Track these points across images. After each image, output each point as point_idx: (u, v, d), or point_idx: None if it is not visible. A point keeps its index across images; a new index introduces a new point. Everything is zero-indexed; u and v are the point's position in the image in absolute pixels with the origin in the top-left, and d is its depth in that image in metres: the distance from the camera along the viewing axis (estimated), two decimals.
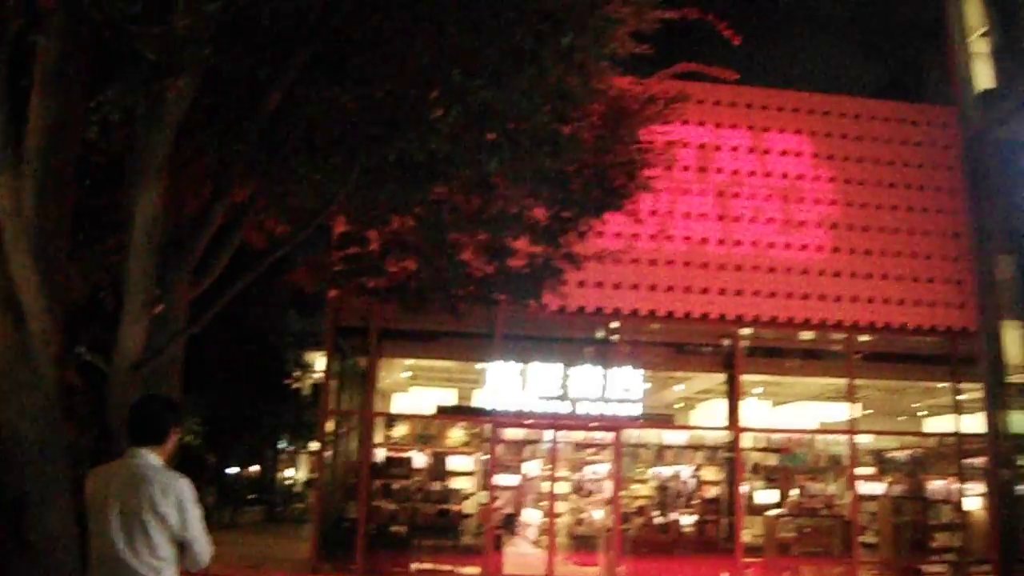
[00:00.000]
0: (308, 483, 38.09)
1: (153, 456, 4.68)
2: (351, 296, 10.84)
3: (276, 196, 8.10)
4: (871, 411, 20.85)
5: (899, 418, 22.90)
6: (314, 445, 21.76)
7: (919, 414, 22.78)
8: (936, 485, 18.91)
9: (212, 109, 7.17)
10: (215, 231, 7.57)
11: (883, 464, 20.08)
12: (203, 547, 4.68)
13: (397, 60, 6.81)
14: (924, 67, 22.77)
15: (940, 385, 19.14)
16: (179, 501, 4.55)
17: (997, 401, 7.37)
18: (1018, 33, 8.44)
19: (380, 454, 18.00)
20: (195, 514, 4.63)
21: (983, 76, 9.98)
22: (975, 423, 18.63)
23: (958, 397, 18.03)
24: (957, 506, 18.18)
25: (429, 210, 8.89)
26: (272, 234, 9.68)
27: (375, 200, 8.45)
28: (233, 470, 40.60)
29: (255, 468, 44.05)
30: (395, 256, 9.59)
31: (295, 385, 40.41)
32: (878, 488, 19.08)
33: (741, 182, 17.77)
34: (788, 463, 19.20)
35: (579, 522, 19.34)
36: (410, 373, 20.44)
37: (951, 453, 18.71)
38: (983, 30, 9.76)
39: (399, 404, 20.62)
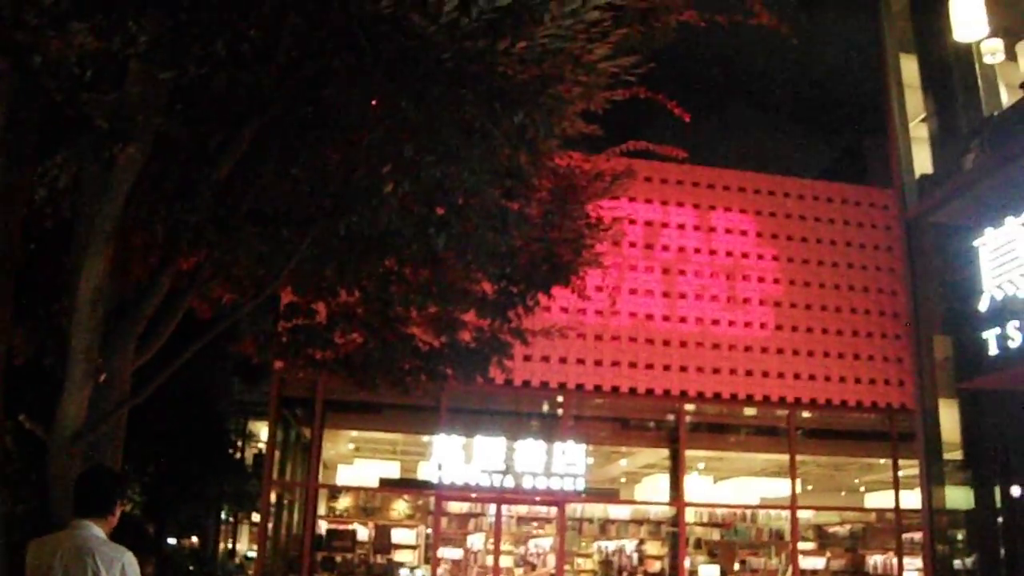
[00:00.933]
0: (248, 556, 37.40)
1: (97, 528, 4.66)
2: (297, 367, 10.78)
3: (224, 266, 8.09)
4: (812, 487, 21.05)
5: (840, 493, 23.13)
6: (256, 516, 21.38)
7: (860, 489, 23.03)
8: (876, 560, 19.06)
9: (161, 177, 7.19)
10: (161, 300, 7.54)
11: (824, 539, 20.23)
12: None
13: (349, 133, 6.90)
14: (866, 150, 23.43)
15: (880, 461, 19.40)
16: (123, 575, 4.52)
17: (933, 478, 7.54)
18: (955, 121, 8.78)
19: (323, 526, 17.77)
20: None
21: (922, 161, 10.34)
22: (913, 498, 18.88)
23: (898, 473, 18.28)
24: None
25: (377, 283, 8.93)
26: (219, 303, 9.63)
27: (323, 272, 8.48)
28: (173, 541, 39.65)
29: (195, 539, 43.10)
30: (342, 328, 9.56)
31: (238, 455, 39.84)
32: (819, 563, 19.19)
33: (687, 259, 18.01)
34: (730, 538, 19.26)
35: None
36: (354, 445, 20.29)
37: (890, 528, 18.90)
38: (922, 116, 10.13)
39: (343, 476, 20.43)
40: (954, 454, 7.93)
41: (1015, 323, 6.10)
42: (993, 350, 6.24)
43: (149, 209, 7.38)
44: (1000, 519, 7.82)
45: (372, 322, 9.36)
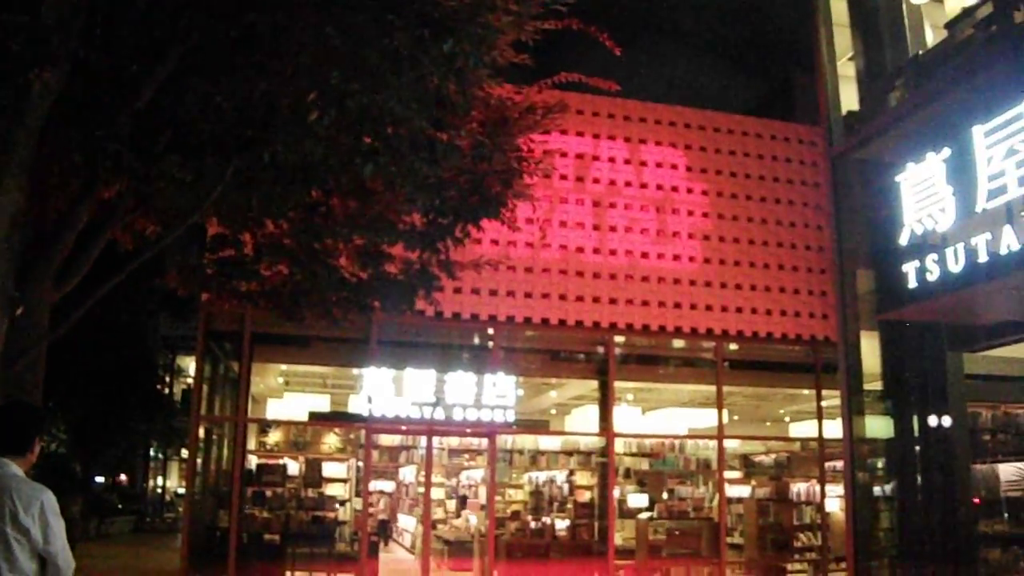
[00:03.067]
0: (179, 492, 37.21)
1: (15, 466, 4.54)
2: (224, 300, 10.64)
3: (146, 196, 7.93)
4: (738, 417, 21.48)
5: (765, 423, 23.67)
6: (185, 453, 21.23)
7: (784, 420, 23.57)
8: (799, 487, 19.56)
9: (80, 105, 6.99)
10: (81, 231, 7.38)
11: (749, 468, 20.72)
12: (65, 561, 4.54)
13: (274, 60, 6.75)
14: (795, 87, 23.59)
15: (804, 392, 19.83)
16: (42, 514, 4.41)
17: (854, 408, 7.74)
18: (881, 60, 8.85)
19: (253, 461, 17.71)
20: (58, 527, 4.50)
21: (849, 99, 10.43)
22: (836, 428, 19.37)
23: (821, 403, 18.73)
24: (819, 507, 18.86)
25: (303, 214, 8.82)
26: (142, 235, 9.43)
27: (248, 203, 8.35)
28: (101, 479, 39.31)
29: (124, 477, 42.76)
30: (268, 260, 9.45)
31: (166, 391, 39.46)
32: (744, 491, 19.66)
33: (617, 192, 18.05)
34: (659, 467, 19.62)
35: (454, 528, 19.41)
36: (283, 379, 20.19)
37: (813, 457, 19.40)
38: (850, 55, 10.21)
39: (273, 410, 20.35)
40: (874, 385, 8.14)
41: (933, 256, 6.23)
42: (912, 283, 6.37)
43: (67, 137, 7.19)
44: (917, 447, 8.06)
45: (299, 254, 9.25)
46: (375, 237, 9.06)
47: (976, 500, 7.75)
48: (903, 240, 6.73)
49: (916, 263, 6.35)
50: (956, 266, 6.15)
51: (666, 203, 18.27)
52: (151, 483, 45.39)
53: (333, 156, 6.88)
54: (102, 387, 29.52)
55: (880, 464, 8.46)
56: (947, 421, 7.59)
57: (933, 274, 6.33)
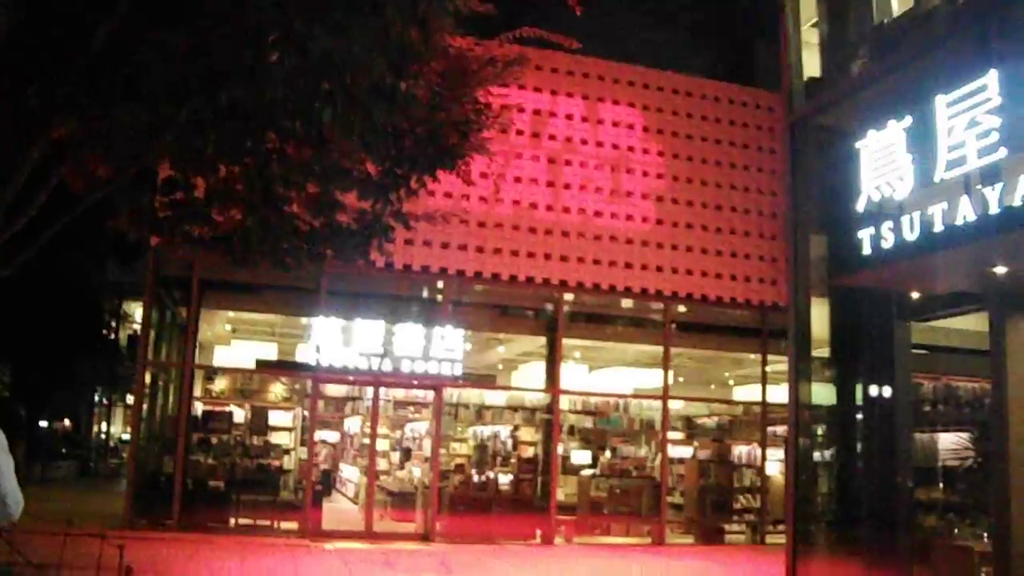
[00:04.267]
0: (124, 438, 36.89)
1: None
2: (174, 244, 10.46)
3: (98, 137, 7.74)
4: (683, 379, 21.64)
5: (710, 386, 23.90)
6: (131, 399, 20.96)
7: (728, 383, 23.83)
8: (741, 450, 19.85)
9: (34, 47, 6.79)
10: (30, 171, 7.21)
11: (692, 429, 20.96)
12: (14, 499, 4.51)
13: (235, 6, 6.59)
14: (757, 52, 23.60)
15: (750, 356, 20.05)
16: None
17: (801, 373, 7.83)
18: (845, 27, 8.86)
19: (199, 408, 17.59)
20: (7, 466, 4.46)
21: (811, 65, 10.42)
22: (779, 393, 19.63)
23: (766, 368, 18.96)
24: (759, 470, 19.16)
25: (258, 160, 8.68)
26: (92, 177, 9.23)
27: (202, 147, 8.20)
28: (45, 424, 38.87)
29: (68, 423, 42.27)
30: (221, 205, 9.29)
31: (112, 336, 38.99)
32: (687, 452, 19.91)
33: (573, 150, 18.01)
34: (603, 426, 19.77)
35: (397, 479, 19.45)
36: (231, 326, 20.00)
37: (755, 421, 19.67)
38: (814, 21, 10.20)
39: (220, 357, 20.18)
40: (821, 351, 8.24)
41: (889, 224, 6.28)
42: (867, 249, 6.42)
43: (20, 78, 7.00)
44: (860, 414, 8.19)
45: (252, 199, 9.11)
46: (329, 185, 8.94)
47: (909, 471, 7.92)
48: (859, 207, 6.77)
49: (871, 230, 6.39)
50: (911, 234, 6.20)
51: (621, 163, 18.27)
52: (96, 429, 44.86)
53: (291, 100, 6.75)
54: (47, 331, 29.11)
55: (822, 430, 8.57)
56: (891, 390, 7.70)
57: (888, 242, 6.38)
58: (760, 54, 23.24)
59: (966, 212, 5.72)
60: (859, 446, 8.52)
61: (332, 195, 9.31)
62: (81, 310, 32.32)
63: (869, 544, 7.75)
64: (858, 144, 6.72)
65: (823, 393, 8.54)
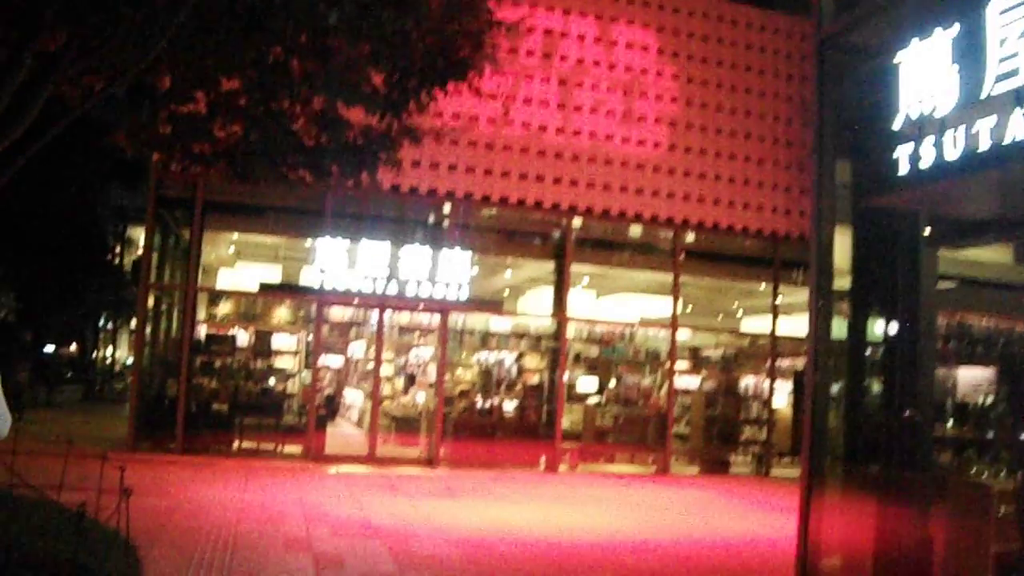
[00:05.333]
0: (129, 363, 36.86)
1: None
2: (175, 161, 10.09)
3: (92, 46, 7.37)
4: (691, 309, 21.40)
5: (717, 317, 23.66)
6: (136, 323, 20.71)
7: (736, 314, 23.58)
8: (748, 382, 19.67)
9: None
10: (23, 83, 6.86)
11: (699, 360, 20.74)
12: (1, 416, 4.29)
13: None
14: None
15: (760, 287, 19.75)
16: None
17: (823, 304, 7.55)
18: None
19: (202, 331, 17.37)
20: None
21: None
22: (789, 325, 19.41)
23: (777, 300, 18.69)
24: (766, 403, 18.99)
25: (261, 71, 8.30)
26: (89, 89, 8.85)
27: (203, 54, 7.84)
28: (51, 348, 38.95)
29: (74, 347, 42.37)
30: (223, 119, 8.92)
31: (117, 261, 38.87)
32: (693, 382, 19.72)
33: (585, 72, 17.55)
34: (608, 355, 19.56)
35: (401, 405, 19.32)
36: (235, 248, 19.71)
37: (764, 353, 19.46)
38: None
39: (224, 280, 19.93)
40: (841, 283, 7.94)
41: (930, 140, 5.91)
42: (903, 169, 6.05)
43: None
44: (881, 348, 7.89)
45: (254, 113, 8.75)
46: (335, 99, 8.56)
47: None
48: (897, 124, 6.39)
49: (910, 148, 6.01)
50: (954, 152, 5.81)
51: (634, 86, 17.81)
52: (101, 353, 44.94)
53: (296, 1, 6.36)
54: (51, 256, 28.95)
55: (840, 364, 8.31)
56: (914, 323, 7.39)
57: (927, 160, 6.00)
58: None
59: (1016, 130, 5.36)
60: (878, 381, 8.22)
61: (337, 110, 8.95)
62: (85, 235, 32.13)
63: (885, 480, 7.50)
64: (898, 57, 6.33)
65: (842, 326, 8.24)
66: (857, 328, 7.94)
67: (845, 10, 7.84)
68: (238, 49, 7.74)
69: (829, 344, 7.89)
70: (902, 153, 6.04)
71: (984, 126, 5.47)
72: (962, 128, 5.60)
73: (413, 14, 7.09)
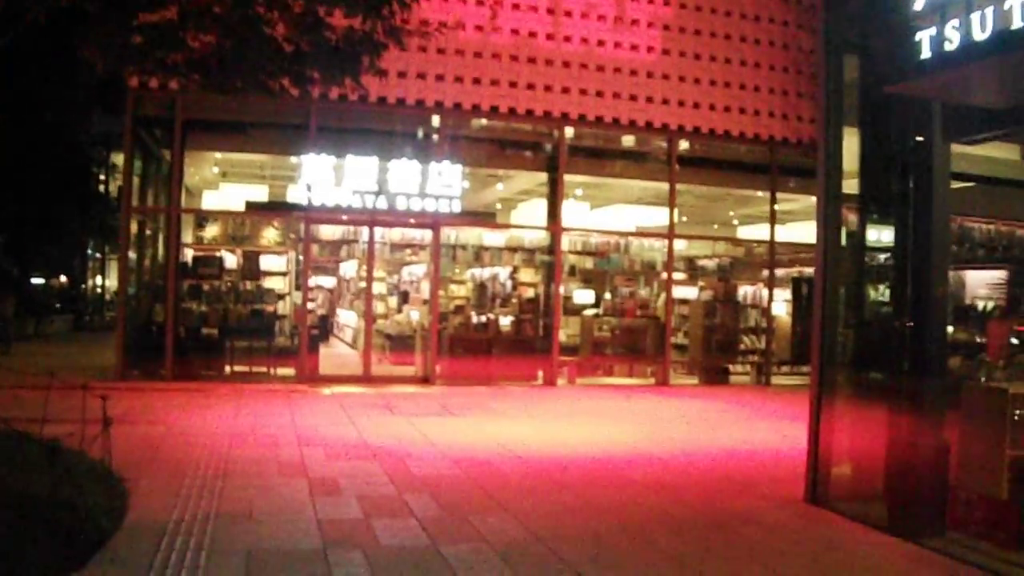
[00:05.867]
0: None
1: None
2: (147, 74, 9.55)
3: None
4: (687, 217, 21.05)
5: (713, 226, 23.32)
6: (120, 248, 20.28)
7: (733, 223, 23.25)
8: (746, 291, 19.41)
9: None
10: None
11: (696, 269, 20.47)
12: None
13: None
14: None
15: (758, 194, 19.40)
16: None
17: (833, 209, 7.17)
18: None
19: (188, 254, 16.98)
20: None
21: None
22: (786, 232, 19.12)
23: (775, 206, 18.34)
24: (764, 311, 18.74)
25: None
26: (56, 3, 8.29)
27: None
28: (40, 280, 38.62)
29: (64, 278, 41.98)
30: (195, 26, 8.38)
31: (102, 188, 38.33)
32: (690, 292, 19.45)
33: None
34: (603, 267, 19.24)
35: (395, 323, 19.05)
36: (219, 169, 19.22)
37: (761, 261, 19.18)
38: None
39: (209, 201, 19.48)
40: (848, 188, 7.56)
41: (954, 23, 5.47)
42: (926, 53, 5.63)
43: None
44: (893, 252, 7.53)
45: (229, 20, 8.23)
46: (314, 1, 8.04)
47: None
48: (918, 4, 5.95)
49: (932, 31, 5.59)
50: (982, 34, 5.41)
51: None
52: (91, 283, 44.56)
53: None
54: (34, 187, 28.46)
55: (849, 270, 7.97)
56: (926, 225, 7.02)
57: (952, 43, 5.59)
58: None
59: None
60: (889, 286, 7.89)
61: (317, 13, 8.44)
62: (68, 163, 31.59)
63: (897, 388, 7.23)
64: None
65: (850, 230, 7.90)
66: (866, 232, 7.60)
67: None
68: None
69: (838, 249, 7.55)
70: (924, 36, 5.61)
71: (1016, 2, 5.04)
72: (991, 7, 5.18)
73: None
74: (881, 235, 7.89)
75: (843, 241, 8.17)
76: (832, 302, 7.80)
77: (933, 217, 7.15)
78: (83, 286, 42.64)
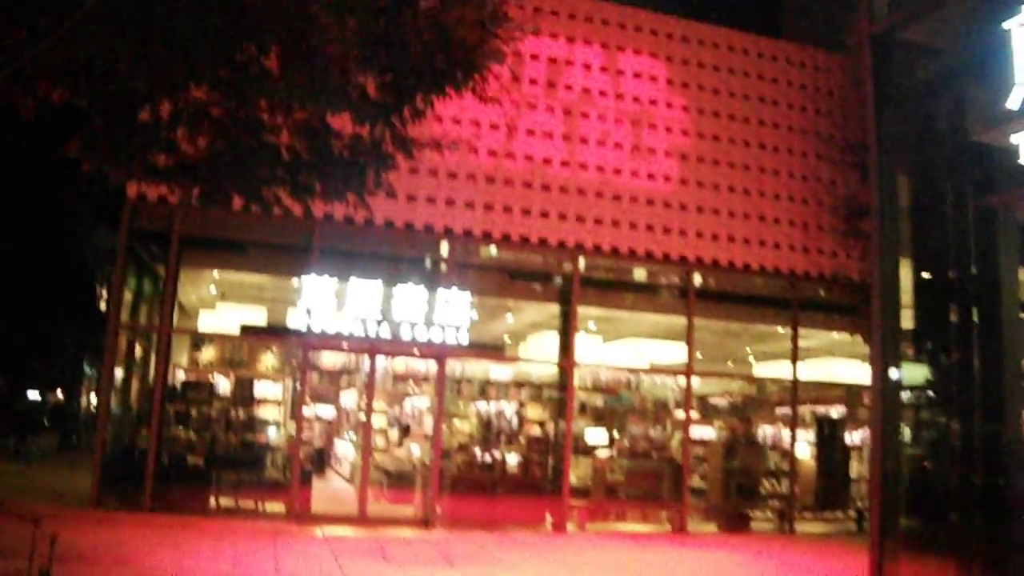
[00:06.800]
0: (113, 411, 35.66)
1: None
2: (134, 175, 8.80)
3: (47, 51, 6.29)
4: (700, 355, 20.20)
5: (727, 363, 22.44)
6: (104, 367, 19.43)
7: (749, 359, 22.39)
8: (766, 431, 18.44)
9: None
10: None
11: (713, 408, 19.55)
12: None
13: None
14: (784, 7, 22.18)
15: (778, 329, 18.61)
16: None
17: (889, 346, 6.38)
18: None
19: (178, 377, 16.10)
20: None
21: None
22: (809, 370, 18.24)
23: (798, 342, 17.50)
24: (786, 453, 17.73)
25: (234, 75, 7.13)
26: (45, 100, 7.64)
27: (171, 58, 6.73)
28: (36, 395, 37.74)
29: (61, 394, 41.12)
30: (188, 127, 7.68)
31: (103, 305, 37.81)
32: (709, 432, 18.47)
33: (591, 102, 16.55)
34: (613, 404, 18.32)
35: (395, 458, 18.01)
36: (216, 289, 18.48)
37: (782, 399, 18.29)
38: None
39: (205, 323, 18.66)
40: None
41: None
42: None
43: None
44: (954, 388, 6.70)
45: (225, 123, 7.55)
46: (318, 104, 7.36)
47: None
48: (1014, 102, 5.24)
49: None
50: None
51: (643, 117, 16.80)
52: (84, 400, 43.60)
53: None
54: (31, 300, 27.89)
55: (905, 410, 7.11)
56: (995, 360, 6.20)
57: None
58: (787, 10, 22.03)
59: None
60: (955, 428, 7.02)
61: (323, 118, 7.77)
62: (68, 278, 31.10)
63: (967, 540, 6.29)
64: (1007, 23, 5.22)
65: (906, 368, 7.06)
66: (927, 367, 6.77)
67: (898, 5, 6.80)
68: (211, 45, 6.65)
69: (896, 389, 6.69)
70: (1021, 139, 4.90)
71: None
72: None
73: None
74: (943, 373, 7.06)
75: (898, 379, 7.33)
76: (890, 445, 6.92)
77: (1003, 350, 6.32)
78: (75, 404, 41.68)
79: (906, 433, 7.23)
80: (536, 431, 17.44)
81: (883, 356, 6.83)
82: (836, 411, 19.70)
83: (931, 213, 6.53)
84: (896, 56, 7.03)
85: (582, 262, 16.39)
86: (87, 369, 42.22)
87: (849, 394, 19.47)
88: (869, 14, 7.07)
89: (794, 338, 17.52)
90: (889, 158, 6.90)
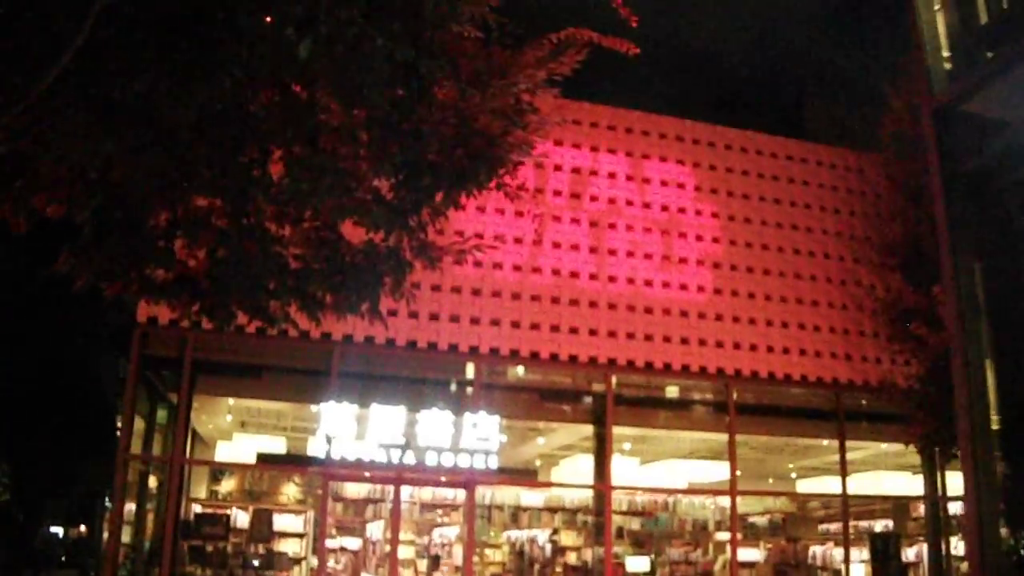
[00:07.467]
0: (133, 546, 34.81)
1: None
2: (128, 290, 8.13)
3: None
4: (740, 472, 19.24)
5: (768, 480, 21.40)
6: (112, 501, 18.59)
7: (791, 475, 21.36)
8: (815, 550, 17.38)
9: None
10: None
11: (759, 528, 18.49)
12: None
13: None
14: (807, 109, 21.83)
15: (823, 443, 17.69)
16: None
17: (983, 455, 5.62)
18: (972, 9, 6.93)
19: (192, 511, 15.29)
20: None
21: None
22: (858, 484, 17.24)
23: (845, 455, 16.53)
24: (838, 573, 16.63)
25: (235, 176, 6.56)
26: (38, 214, 7.10)
27: (164, 166, 6.21)
28: (58, 530, 37.08)
29: (84, 528, 40.42)
30: (186, 235, 7.05)
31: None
32: (754, 554, 17.41)
33: (618, 212, 16.03)
34: (650, 528, 17.31)
35: None
36: (233, 417, 17.76)
37: (829, 516, 17.29)
38: (938, 5, 8.21)
39: (223, 453, 17.87)
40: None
41: None
42: None
43: None
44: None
45: (227, 232, 6.94)
46: (326, 209, 6.75)
47: None
48: None
49: None
50: None
51: (672, 226, 16.24)
52: (105, 535, 42.78)
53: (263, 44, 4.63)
54: (50, 433, 27.45)
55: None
56: None
57: None
58: (810, 111, 21.74)
59: None
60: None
61: (333, 226, 7.17)
62: (86, 408, 30.67)
63: None
64: None
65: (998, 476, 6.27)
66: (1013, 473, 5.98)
67: (957, 78, 6.23)
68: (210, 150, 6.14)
69: (993, 497, 5.89)
70: None
71: None
72: None
73: (428, 80, 5.36)
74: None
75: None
76: (993, 560, 6.05)
77: None
78: (94, 538, 40.91)
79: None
80: (571, 559, 16.45)
81: (974, 457, 6.02)
82: (885, 526, 18.62)
83: (1011, 304, 5.81)
84: (959, 131, 6.42)
85: (614, 379, 15.61)
86: (108, 503, 41.52)
87: (896, 508, 18.41)
88: (927, 85, 6.47)
89: (841, 450, 16.54)
90: (962, 245, 6.23)
